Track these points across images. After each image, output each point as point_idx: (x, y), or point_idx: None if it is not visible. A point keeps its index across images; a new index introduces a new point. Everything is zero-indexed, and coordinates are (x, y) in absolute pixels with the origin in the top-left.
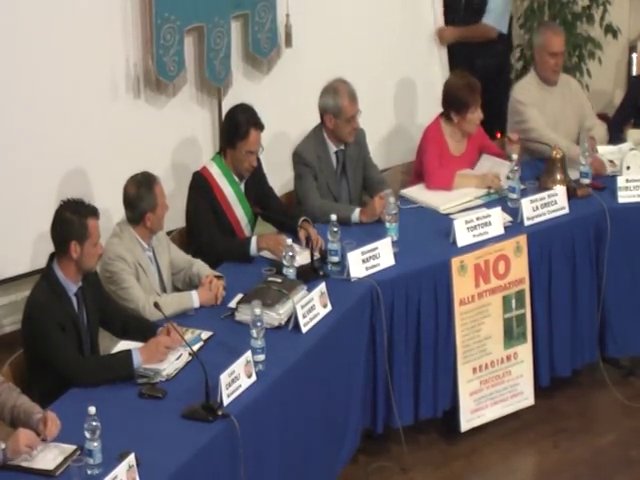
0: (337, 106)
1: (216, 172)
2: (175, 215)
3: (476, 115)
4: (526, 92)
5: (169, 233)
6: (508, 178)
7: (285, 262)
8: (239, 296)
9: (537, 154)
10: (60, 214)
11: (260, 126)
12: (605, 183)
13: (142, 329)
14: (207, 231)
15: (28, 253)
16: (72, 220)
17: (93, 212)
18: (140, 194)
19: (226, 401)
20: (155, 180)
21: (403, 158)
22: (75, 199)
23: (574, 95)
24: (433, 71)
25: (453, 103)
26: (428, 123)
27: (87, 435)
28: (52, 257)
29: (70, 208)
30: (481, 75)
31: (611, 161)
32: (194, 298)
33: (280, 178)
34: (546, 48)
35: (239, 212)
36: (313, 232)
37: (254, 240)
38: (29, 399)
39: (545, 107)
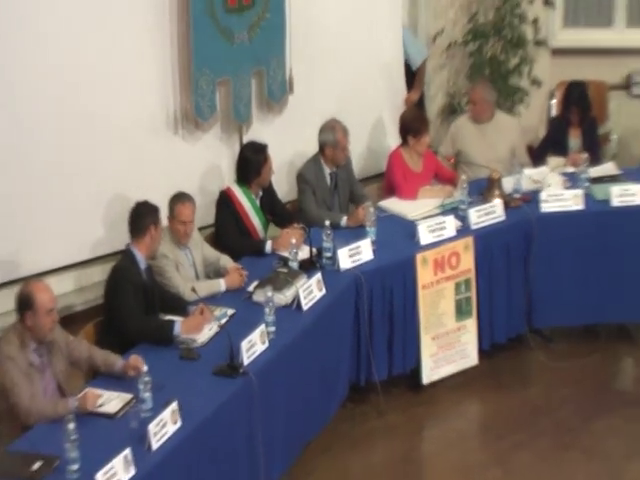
0: (335, 140)
1: (237, 190)
2: (202, 217)
3: (426, 139)
4: (456, 123)
5: (199, 230)
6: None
7: (290, 257)
8: (255, 282)
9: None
10: (139, 210)
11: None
12: (532, 197)
13: (177, 307)
14: (231, 234)
15: (90, 242)
16: (151, 211)
17: (157, 208)
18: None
19: (246, 362)
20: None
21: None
22: (144, 200)
23: (506, 130)
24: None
25: (411, 129)
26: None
27: (141, 387)
28: (127, 245)
29: (146, 206)
30: None
31: (535, 180)
32: (222, 284)
33: (288, 193)
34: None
35: (256, 221)
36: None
37: (269, 243)
38: (99, 349)
39: (474, 136)
